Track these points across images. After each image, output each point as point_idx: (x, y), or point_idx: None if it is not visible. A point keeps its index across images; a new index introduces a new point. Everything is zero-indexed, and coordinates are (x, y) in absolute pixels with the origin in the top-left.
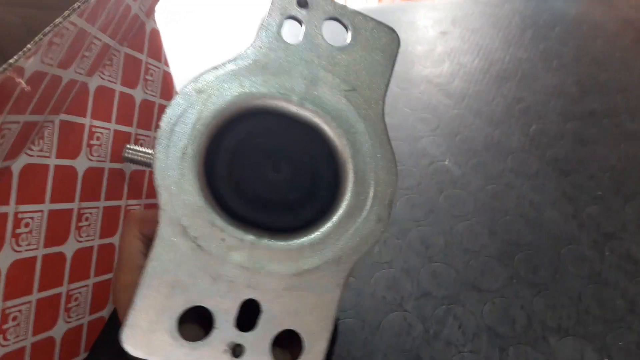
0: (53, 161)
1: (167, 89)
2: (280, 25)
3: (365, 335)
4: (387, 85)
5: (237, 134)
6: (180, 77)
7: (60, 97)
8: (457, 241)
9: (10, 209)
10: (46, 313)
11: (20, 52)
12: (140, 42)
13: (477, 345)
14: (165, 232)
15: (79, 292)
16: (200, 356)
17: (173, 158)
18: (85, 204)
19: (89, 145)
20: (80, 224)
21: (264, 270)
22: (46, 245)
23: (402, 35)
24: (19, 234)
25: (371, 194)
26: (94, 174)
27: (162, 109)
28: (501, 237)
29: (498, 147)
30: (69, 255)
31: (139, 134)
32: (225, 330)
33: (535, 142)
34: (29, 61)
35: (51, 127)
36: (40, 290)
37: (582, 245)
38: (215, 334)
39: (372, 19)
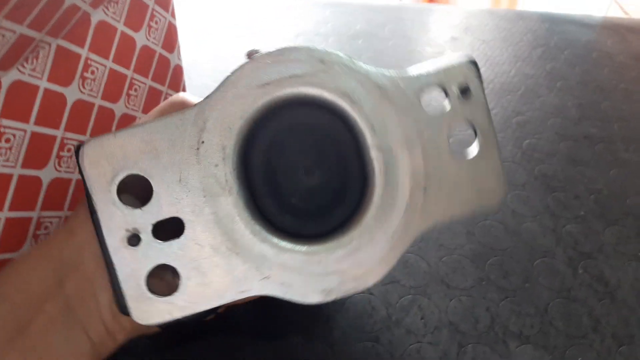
0: (44, 84)
1: (170, 40)
2: (428, 86)
3: (329, 313)
4: (448, 218)
5: (308, 117)
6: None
7: (61, 20)
8: (433, 237)
9: None
10: (14, 234)
11: None
12: None
13: (437, 337)
14: (189, 115)
15: (50, 222)
16: (108, 214)
17: (251, 80)
18: (69, 134)
19: (82, 77)
20: (61, 154)
21: (213, 216)
22: (24, 166)
23: (412, 36)
24: None
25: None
26: (83, 107)
27: (162, 59)
28: (477, 239)
29: None
30: (45, 181)
31: (135, 79)
32: (145, 219)
33: (527, 156)
34: None
35: (47, 49)
36: (11, 209)
37: (556, 259)
38: (135, 213)
39: (501, 166)
